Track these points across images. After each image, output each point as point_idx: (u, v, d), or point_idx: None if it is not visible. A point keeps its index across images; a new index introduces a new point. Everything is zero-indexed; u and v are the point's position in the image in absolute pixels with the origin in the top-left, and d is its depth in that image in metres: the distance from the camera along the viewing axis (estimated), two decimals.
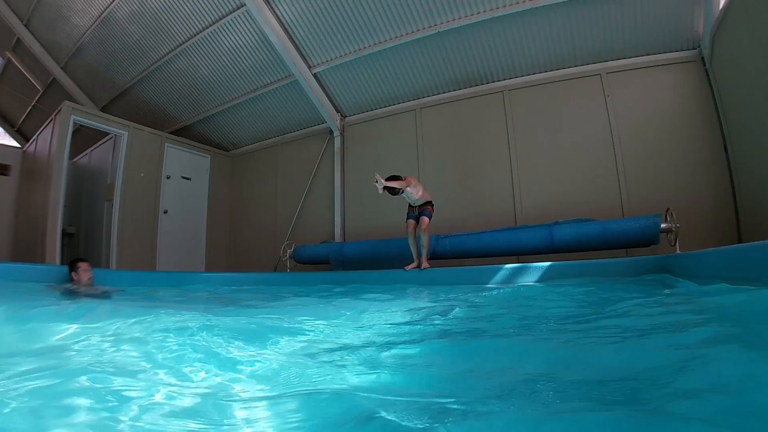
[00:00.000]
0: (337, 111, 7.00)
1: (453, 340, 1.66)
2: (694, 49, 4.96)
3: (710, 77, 4.77)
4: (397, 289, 4.12)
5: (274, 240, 7.17)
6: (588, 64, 5.49)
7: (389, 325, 1.99)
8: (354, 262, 6.06)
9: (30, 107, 10.12)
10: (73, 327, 1.62)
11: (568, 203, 5.28)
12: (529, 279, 4.16)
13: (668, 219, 4.23)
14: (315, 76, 6.61)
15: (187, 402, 0.93)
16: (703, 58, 4.85)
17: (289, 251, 6.53)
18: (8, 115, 11.42)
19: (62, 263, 6.65)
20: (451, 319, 2.16)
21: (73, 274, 4.49)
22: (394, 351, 1.42)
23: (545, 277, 4.11)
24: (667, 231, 4.23)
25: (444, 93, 6.44)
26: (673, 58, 5.06)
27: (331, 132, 7.06)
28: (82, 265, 4.54)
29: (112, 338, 1.49)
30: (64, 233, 7.96)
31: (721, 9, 4.09)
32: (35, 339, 1.53)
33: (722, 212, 4.57)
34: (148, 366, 1.20)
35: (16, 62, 9.27)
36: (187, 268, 7.09)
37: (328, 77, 6.64)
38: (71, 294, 3.99)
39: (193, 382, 1.11)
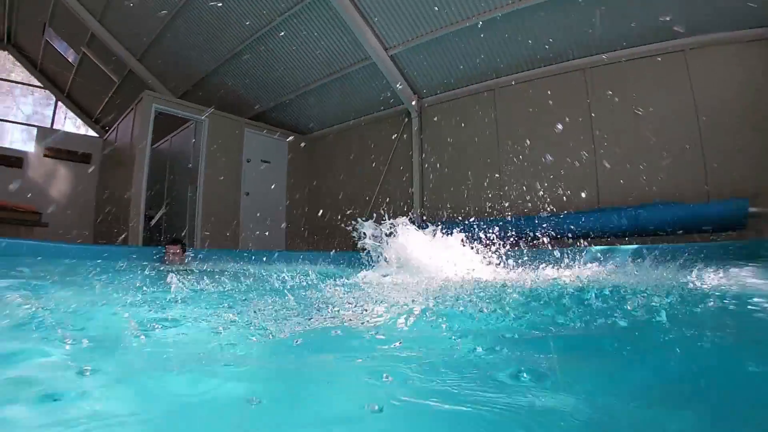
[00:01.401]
0: (414, 92, 7.00)
1: None
2: None
3: None
4: None
5: (351, 221, 7.26)
6: (670, 39, 5.16)
7: None
8: None
9: (107, 99, 10.57)
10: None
11: (650, 186, 5.05)
12: (615, 261, 4.00)
13: (756, 203, 4.01)
14: (392, 57, 6.61)
15: None
16: None
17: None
18: (86, 107, 12.00)
19: (148, 244, 7.01)
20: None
21: (166, 254, 4.87)
22: None
23: (630, 259, 3.95)
24: (756, 215, 3.97)
25: (522, 72, 6.27)
26: (759, 34, 4.71)
27: (409, 113, 7.07)
28: (169, 247, 4.91)
29: None
30: (146, 216, 8.37)
31: None
32: None
33: None
34: None
35: (91, 56, 9.70)
36: (267, 248, 7.29)
37: (405, 58, 6.63)
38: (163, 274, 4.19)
39: None
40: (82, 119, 12.09)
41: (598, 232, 4.94)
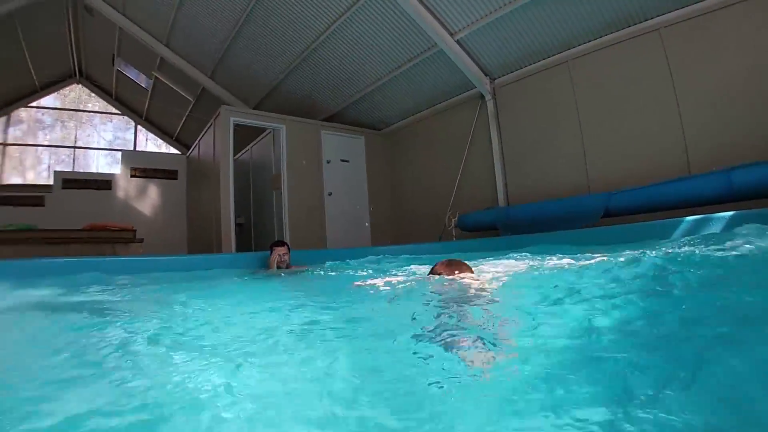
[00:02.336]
0: (486, 74, 6.92)
1: None
2: None
3: None
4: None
5: (435, 211, 7.36)
6: None
7: None
8: (522, 226, 6.05)
9: (185, 117, 11.23)
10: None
11: (745, 146, 4.60)
12: (712, 230, 3.80)
13: None
14: (458, 42, 6.56)
15: None
16: None
17: (453, 220, 6.68)
18: (165, 128, 12.81)
19: (237, 251, 7.44)
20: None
21: (271, 257, 4.88)
22: None
23: (728, 227, 3.63)
24: None
25: (594, 40, 5.95)
26: None
27: (483, 96, 7.01)
28: (275, 249, 4.94)
29: None
30: (235, 224, 8.88)
31: None
32: None
33: None
34: None
35: (163, 79, 10.31)
36: (354, 245, 7.54)
37: (472, 41, 6.56)
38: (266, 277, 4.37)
39: None
40: (163, 139, 12.94)
41: (693, 199, 4.60)
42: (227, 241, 7.17)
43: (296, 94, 8.55)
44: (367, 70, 7.51)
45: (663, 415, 0.76)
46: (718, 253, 2.21)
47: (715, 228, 3.83)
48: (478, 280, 2.19)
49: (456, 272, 2.30)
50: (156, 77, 10.49)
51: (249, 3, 7.05)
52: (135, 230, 8.08)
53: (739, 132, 4.73)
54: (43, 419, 0.84)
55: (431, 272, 2.41)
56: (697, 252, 2.43)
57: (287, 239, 7.34)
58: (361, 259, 5.62)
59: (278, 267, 4.82)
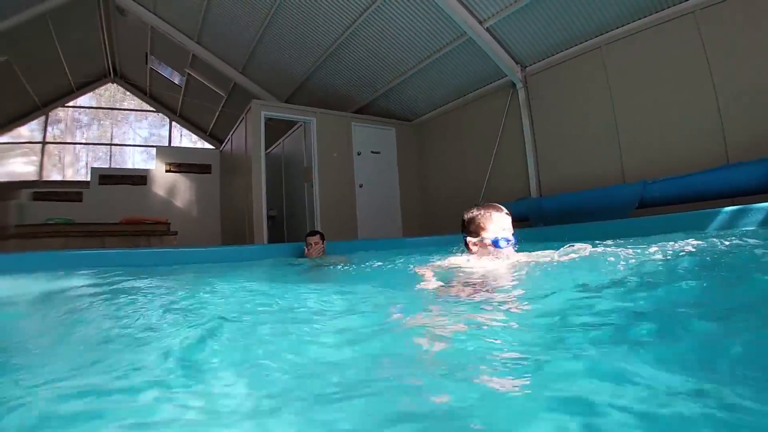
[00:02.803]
0: (517, 62, 6.84)
1: None
2: None
3: None
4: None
5: (467, 202, 7.29)
6: None
7: None
8: (554, 217, 5.99)
9: (218, 113, 11.52)
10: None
11: None
12: (751, 221, 3.65)
13: None
14: (488, 30, 6.51)
15: None
16: None
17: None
18: (199, 123, 13.17)
19: (269, 242, 7.63)
20: None
21: (306, 247, 4.95)
22: None
23: None
24: None
25: (628, 24, 5.78)
26: None
27: (514, 85, 6.94)
28: (308, 239, 5.00)
29: None
30: (267, 216, 9.10)
31: None
32: None
33: None
34: None
35: (196, 76, 10.58)
36: (385, 236, 7.64)
37: (502, 29, 6.49)
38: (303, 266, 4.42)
39: None
40: (197, 135, 13.30)
41: (733, 190, 4.44)
42: (259, 233, 7.36)
43: (326, 86, 8.65)
44: (396, 61, 7.53)
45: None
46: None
47: (756, 219, 3.67)
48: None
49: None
50: (189, 74, 10.78)
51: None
52: (169, 223, 8.40)
53: None
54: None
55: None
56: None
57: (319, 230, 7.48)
58: (394, 251, 5.74)
59: (311, 256, 4.86)
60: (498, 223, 2.23)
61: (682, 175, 4.86)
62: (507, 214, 2.29)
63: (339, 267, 3.84)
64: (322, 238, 5.12)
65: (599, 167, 6.09)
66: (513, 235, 2.27)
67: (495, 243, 2.19)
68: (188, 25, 8.83)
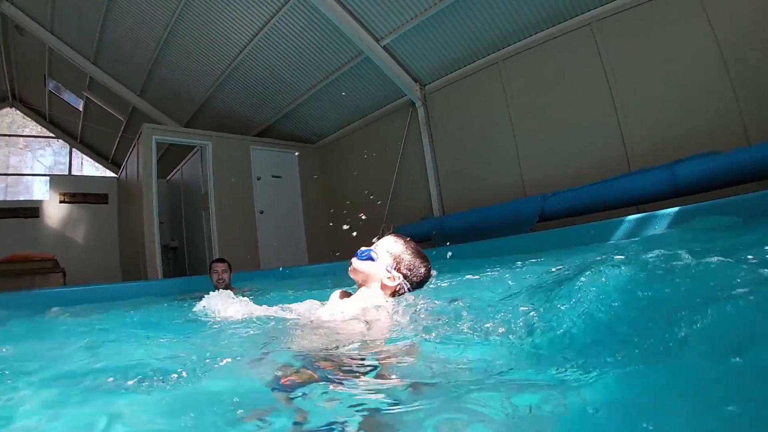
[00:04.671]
0: (415, 81, 6.68)
1: None
2: None
3: None
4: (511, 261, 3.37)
5: (372, 225, 7.00)
6: None
7: None
8: (457, 235, 5.77)
9: (118, 138, 10.69)
10: None
11: (683, 138, 4.50)
12: (656, 229, 3.56)
13: None
14: (385, 48, 6.32)
15: None
16: None
17: (388, 233, 6.34)
18: (100, 150, 12.21)
19: (166, 276, 6.95)
20: None
21: (210, 275, 4.46)
22: None
23: (674, 224, 3.46)
24: None
25: (525, 38, 5.80)
26: None
27: (413, 103, 6.76)
28: (213, 266, 4.51)
29: None
30: (167, 248, 8.37)
31: None
32: None
33: None
34: None
35: (94, 99, 9.81)
36: (290, 263, 7.14)
37: (400, 46, 6.32)
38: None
39: None
40: (99, 162, 12.32)
41: (635, 197, 4.43)
42: (152, 266, 6.66)
43: (226, 109, 8.16)
44: (295, 82, 7.19)
45: None
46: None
47: (660, 226, 3.57)
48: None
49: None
50: (87, 97, 9.98)
51: (171, 17, 6.71)
52: (55, 259, 7.52)
53: (678, 125, 4.61)
54: None
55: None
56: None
57: None
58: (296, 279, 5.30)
59: (216, 287, 4.31)
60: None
61: (581, 186, 4.78)
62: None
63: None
64: (230, 267, 4.63)
65: (501, 182, 5.98)
66: None
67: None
68: (85, 45, 8.15)
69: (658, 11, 4.81)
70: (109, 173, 12.16)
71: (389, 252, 1.80)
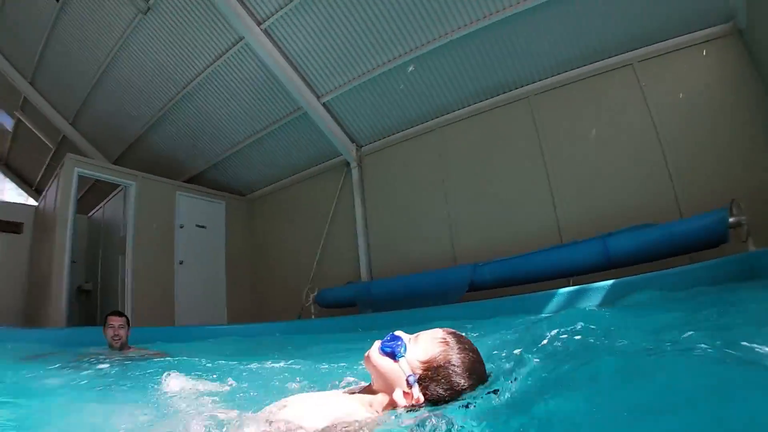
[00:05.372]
0: (352, 141, 6.60)
1: None
2: (728, 22, 4.35)
3: (750, 49, 4.18)
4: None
5: (298, 285, 6.68)
6: (617, 54, 4.90)
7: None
8: (384, 302, 5.56)
9: (44, 166, 10.05)
10: None
11: (616, 211, 4.64)
12: (590, 302, 3.58)
13: (735, 212, 3.56)
14: (324, 105, 6.25)
15: None
16: (739, 30, 4.27)
17: (312, 296, 6.07)
18: (25, 175, 11.44)
19: (72, 323, 6.34)
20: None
21: (105, 330, 3.77)
22: None
23: (609, 298, 3.50)
24: (736, 225, 3.54)
25: (464, 108, 5.95)
26: (707, 34, 4.45)
27: (348, 164, 6.65)
28: (109, 320, 3.82)
29: None
30: (79, 290, 7.72)
31: None
32: None
33: None
34: None
35: (25, 121, 9.23)
36: (208, 321, 6.68)
37: (339, 105, 6.27)
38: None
39: None
40: (22, 188, 11.51)
41: (567, 269, 4.42)
42: (57, 309, 6.04)
43: (158, 150, 7.81)
44: (230, 130, 6.98)
45: None
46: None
47: (594, 300, 3.59)
48: None
49: None
50: (19, 118, 9.38)
51: (114, 46, 6.45)
52: None
53: (611, 198, 4.73)
54: None
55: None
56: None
57: (129, 311, 6.34)
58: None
59: (111, 345, 3.74)
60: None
61: (513, 256, 4.73)
62: None
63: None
64: (128, 322, 3.96)
65: (431, 250, 5.89)
66: None
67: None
68: (24, 62, 7.68)
69: (595, 88, 5.03)
70: (31, 201, 11.34)
71: (424, 355, 1.20)
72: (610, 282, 3.56)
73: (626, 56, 4.87)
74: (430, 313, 4.51)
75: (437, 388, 1.16)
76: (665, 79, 4.65)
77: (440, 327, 1.27)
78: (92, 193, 8.95)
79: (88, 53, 6.81)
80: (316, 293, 6.07)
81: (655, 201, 4.49)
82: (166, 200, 6.93)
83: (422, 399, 1.16)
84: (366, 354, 1.28)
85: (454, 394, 1.17)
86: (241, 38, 5.65)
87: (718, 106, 4.35)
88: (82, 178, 6.63)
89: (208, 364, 2.72)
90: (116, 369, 2.95)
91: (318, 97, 6.19)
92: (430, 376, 1.17)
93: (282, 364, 2.45)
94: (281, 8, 5.29)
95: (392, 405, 1.19)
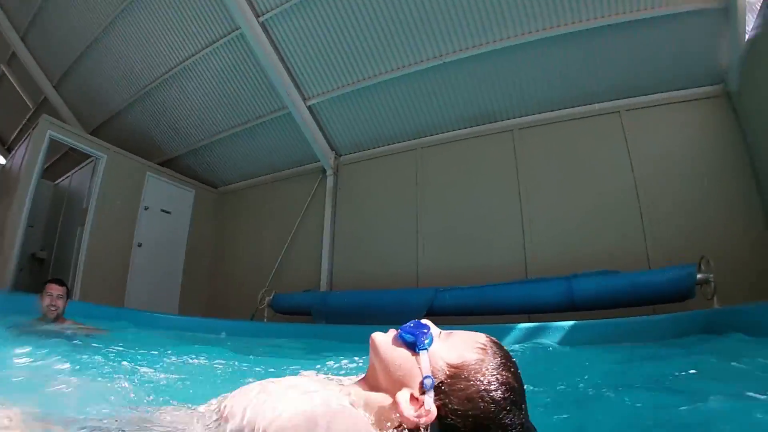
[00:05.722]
0: (332, 149, 6.54)
1: None
2: (718, 83, 4.50)
3: (738, 114, 4.30)
4: None
5: (256, 285, 6.53)
6: (605, 101, 5.01)
7: None
8: (339, 315, 5.46)
9: (21, 126, 9.79)
10: None
11: (585, 254, 4.67)
12: (549, 340, 3.52)
13: (703, 269, 3.60)
14: (310, 108, 6.18)
15: None
16: (729, 92, 4.40)
17: (267, 299, 5.93)
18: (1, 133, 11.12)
19: (18, 288, 6.10)
20: None
21: (42, 298, 3.57)
22: None
23: (568, 339, 3.46)
24: (703, 282, 3.58)
25: (448, 132, 5.97)
26: (697, 93, 4.60)
27: (324, 171, 6.57)
28: (48, 288, 3.61)
29: None
30: (33, 257, 7.46)
31: (748, 40, 3.74)
32: None
33: (761, 261, 3.94)
34: None
35: (9, 77, 9.00)
36: (158, 308, 6.48)
37: (324, 111, 6.22)
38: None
39: None
40: None
41: (529, 306, 4.41)
42: (3, 274, 5.82)
43: (136, 128, 7.62)
44: (212, 119, 6.85)
45: None
46: None
47: (552, 338, 3.52)
48: None
49: None
50: (4, 72, 9.13)
51: (112, 14, 6.30)
52: None
53: (582, 241, 4.74)
54: None
55: None
56: None
57: (78, 285, 6.14)
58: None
59: (45, 315, 3.54)
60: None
61: (477, 285, 4.69)
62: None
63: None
64: (68, 293, 3.76)
65: (395, 268, 5.83)
66: None
67: None
68: (19, 15, 7.46)
69: (580, 131, 5.09)
70: (1, 159, 11.02)
71: (456, 357, 0.89)
72: (570, 323, 3.52)
73: (614, 103, 4.96)
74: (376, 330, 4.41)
75: (457, 408, 0.83)
76: (650, 132, 4.74)
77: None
78: (65, 161, 8.70)
79: (85, 18, 6.65)
80: (272, 297, 5.93)
81: (625, 250, 4.53)
82: (135, 179, 6.75)
83: (434, 414, 0.84)
84: (372, 336, 1.01)
85: (475, 427, 0.82)
86: (237, 27, 5.57)
87: (699, 164, 4.43)
88: (54, 143, 6.44)
89: (152, 351, 2.64)
90: (46, 341, 2.81)
91: (304, 99, 6.13)
92: (455, 388, 0.84)
93: (229, 361, 2.35)
94: (282, 4, 5.26)
95: (389, 420, 0.88)
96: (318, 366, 2.00)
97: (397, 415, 0.86)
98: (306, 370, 1.21)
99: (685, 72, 4.57)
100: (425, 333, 0.94)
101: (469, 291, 4.73)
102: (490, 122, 5.67)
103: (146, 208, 6.75)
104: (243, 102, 6.47)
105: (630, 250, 4.51)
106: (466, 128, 5.84)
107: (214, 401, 1.02)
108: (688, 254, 3.90)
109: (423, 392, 0.86)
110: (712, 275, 3.51)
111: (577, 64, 4.82)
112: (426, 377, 0.86)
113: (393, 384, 0.91)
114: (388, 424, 0.87)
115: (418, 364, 0.89)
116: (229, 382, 1.74)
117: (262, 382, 0.99)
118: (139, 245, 6.60)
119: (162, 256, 6.94)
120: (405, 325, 0.98)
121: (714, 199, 4.29)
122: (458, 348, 0.90)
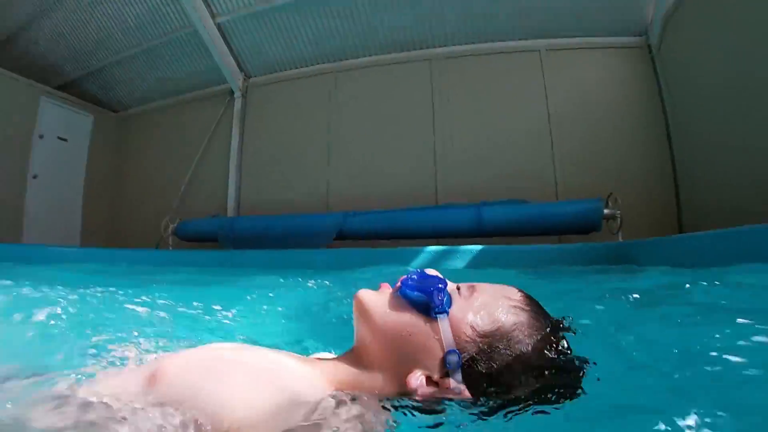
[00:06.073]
0: (241, 70, 6.15)
1: None
2: (640, 35, 4.74)
3: (657, 66, 4.57)
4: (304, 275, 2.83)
5: (161, 214, 6.21)
6: (527, 39, 5.10)
7: None
8: (247, 240, 5.26)
9: None
10: None
11: (496, 185, 4.80)
12: (457, 264, 3.59)
13: (610, 204, 3.83)
14: (218, 26, 5.75)
15: None
16: (650, 45, 4.64)
17: (172, 226, 5.63)
18: None
19: None
20: None
21: None
22: None
23: (476, 263, 3.55)
24: (610, 217, 3.81)
25: (365, 57, 5.77)
26: (618, 42, 4.85)
27: (232, 93, 6.21)
28: None
29: None
30: None
31: None
32: None
33: (663, 202, 4.33)
34: None
35: None
36: (59, 242, 6.11)
37: (234, 29, 5.80)
38: None
39: None
40: None
41: (438, 231, 4.50)
42: None
43: (33, 50, 6.93)
44: (114, 38, 6.26)
45: None
46: None
47: (460, 262, 3.61)
48: None
49: None
50: None
51: None
52: None
53: (493, 171, 4.93)
54: None
55: None
56: None
57: None
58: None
59: None
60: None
61: (387, 210, 4.77)
62: None
63: None
64: None
65: (305, 193, 5.73)
66: None
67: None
68: None
69: (499, 66, 5.20)
70: None
71: (488, 321, 0.66)
72: (479, 247, 3.60)
73: (535, 42, 5.09)
74: (293, 257, 4.33)
75: (495, 391, 0.63)
76: (568, 72, 4.96)
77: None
78: None
79: None
80: (176, 224, 5.64)
81: (536, 182, 4.76)
82: (27, 105, 6.21)
83: (468, 394, 0.63)
84: (356, 294, 0.73)
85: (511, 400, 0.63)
86: None
87: (613, 108, 4.68)
88: None
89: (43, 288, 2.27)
90: None
91: (213, 16, 5.68)
92: (489, 364, 0.63)
93: (144, 298, 2.00)
94: None
95: (401, 394, 0.66)
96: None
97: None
98: None
99: (608, 19, 4.73)
100: (441, 288, 0.68)
101: (378, 215, 4.77)
102: (409, 50, 5.57)
103: (41, 137, 6.24)
104: (145, 19, 5.94)
105: (540, 182, 4.74)
106: (384, 54, 5.69)
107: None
108: (596, 190, 4.09)
109: (445, 373, 0.64)
110: (619, 212, 3.74)
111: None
112: (450, 352, 0.63)
113: (396, 363, 0.67)
114: (388, 423, 0.62)
115: (435, 333, 0.65)
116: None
117: (234, 347, 0.74)
118: (35, 177, 6.13)
119: (60, 187, 6.49)
120: (406, 277, 0.71)
121: (625, 142, 4.58)
122: (489, 308, 0.67)
